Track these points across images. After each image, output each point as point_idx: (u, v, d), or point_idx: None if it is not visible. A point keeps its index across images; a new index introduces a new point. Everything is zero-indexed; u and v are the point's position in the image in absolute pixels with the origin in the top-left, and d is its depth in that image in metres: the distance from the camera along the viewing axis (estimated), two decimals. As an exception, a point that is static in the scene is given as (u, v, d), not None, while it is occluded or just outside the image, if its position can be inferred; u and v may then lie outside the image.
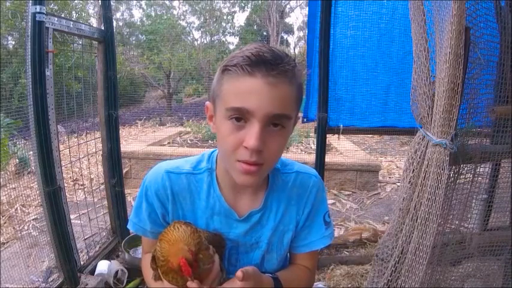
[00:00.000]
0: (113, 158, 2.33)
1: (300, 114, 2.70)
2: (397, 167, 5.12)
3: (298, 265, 0.99)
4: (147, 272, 0.87)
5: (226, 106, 0.71)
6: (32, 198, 3.18)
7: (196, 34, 15.21)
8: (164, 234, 0.78)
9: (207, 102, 0.82)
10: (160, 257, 0.76)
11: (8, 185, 2.48)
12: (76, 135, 2.91)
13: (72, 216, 2.05)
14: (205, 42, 14.72)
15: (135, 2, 16.10)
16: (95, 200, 2.46)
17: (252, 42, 0.77)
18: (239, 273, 0.74)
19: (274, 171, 0.92)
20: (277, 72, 0.68)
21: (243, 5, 16.41)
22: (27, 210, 3.27)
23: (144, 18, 13.73)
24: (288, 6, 20.19)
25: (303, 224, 0.94)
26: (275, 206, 0.91)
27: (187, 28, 14.18)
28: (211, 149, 0.94)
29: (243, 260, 0.93)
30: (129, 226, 0.93)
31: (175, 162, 0.91)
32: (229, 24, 15.49)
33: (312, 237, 0.94)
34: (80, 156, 2.34)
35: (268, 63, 0.67)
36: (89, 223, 2.37)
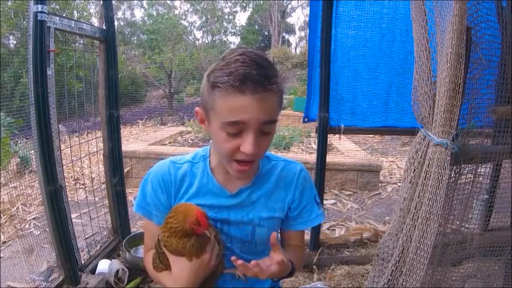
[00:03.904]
0: (114, 157, 2.33)
1: (301, 114, 2.70)
2: (398, 167, 5.12)
3: (293, 246, 1.10)
4: (151, 267, 0.98)
5: (223, 121, 0.80)
6: (33, 197, 3.20)
7: (198, 34, 15.22)
8: (176, 205, 0.92)
9: (197, 108, 0.91)
10: (170, 219, 0.87)
11: (9, 183, 2.49)
12: (77, 134, 2.91)
13: (73, 216, 2.05)
14: (206, 42, 14.74)
15: (136, 1, 16.15)
16: (96, 199, 2.47)
17: (233, 50, 0.82)
18: (273, 234, 0.87)
19: (265, 158, 1.05)
20: (263, 90, 0.77)
21: (245, 4, 16.40)
22: (28, 209, 3.28)
23: (146, 18, 13.71)
24: (290, 6, 20.21)
25: (297, 205, 1.04)
26: (264, 185, 1.01)
27: (189, 28, 14.19)
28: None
29: (234, 233, 1.01)
30: (135, 209, 1.02)
31: (178, 156, 1.06)
32: (231, 24, 15.48)
33: (308, 216, 1.06)
34: (81, 155, 2.34)
35: (256, 82, 0.76)
36: (89, 222, 2.38)
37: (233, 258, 0.83)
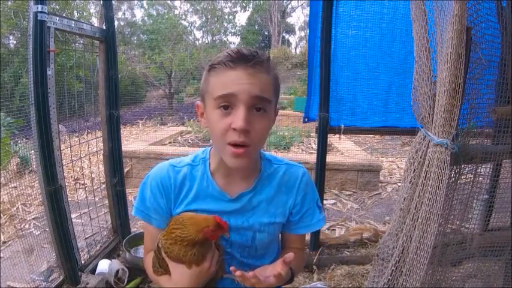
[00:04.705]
0: (114, 157, 2.33)
1: (301, 114, 2.70)
2: (398, 167, 5.12)
3: (292, 249, 1.09)
4: (151, 270, 0.97)
5: (214, 96, 0.83)
6: (33, 197, 3.20)
7: (198, 34, 15.23)
8: (177, 217, 0.90)
9: (198, 102, 0.93)
10: (176, 231, 0.86)
11: (9, 183, 2.49)
12: (77, 134, 2.91)
13: (73, 216, 2.05)
14: (206, 42, 14.74)
15: (136, 1, 16.14)
16: (96, 199, 2.47)
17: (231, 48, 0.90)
18: (290, 254, 0.85)
19: (267, 161, 1.04)
20: (253, 63, 0.81)
21: (245, 4, 16.40)
22: (28, 209, 3.28)
23: (146, 18, 13.71)
24: (290, 6, 20.21)
25: (298, 210, 1.03)
26: (265, 190, 1.00)
27: (189, 28, 14.18)
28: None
29: (234, 238, 1.00)
30: (134, 213, 1.01)
31: (177, 158, 1.04)
32: (231, 24, 15.48)
33: (309, 220, 1.05)
34: (81, 155, 2.34)
35: (246, 57, 0.82)
36: (89, 222, 2.37)
37: (232, 268, 0.83)
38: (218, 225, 0.84)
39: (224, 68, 0.82)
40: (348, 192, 4.03)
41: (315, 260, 2.36)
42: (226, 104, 0.82)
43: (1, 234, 2.73)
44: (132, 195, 3.68)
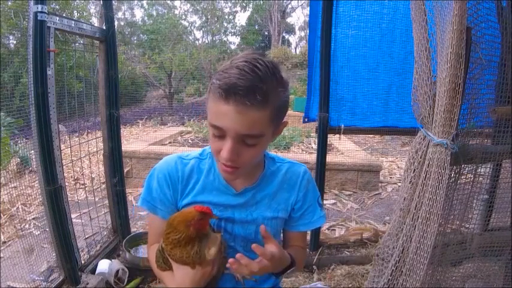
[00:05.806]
0: (114, 157, 2.33)
1: (301, 114, 2.70)
2: (398, 167, 5.12)
3: (294, 246, 1.12)
4: (154, 264, 0.98)
5: (209, 121, 0.85)
6: (33, 197, 3.20)
7: (198, 34, 15.23)
8: (169, 222, 0.89)
9: None
10: (170, 234, 0.87)
11: (9, 183, 2.48)
12: (77, 134, 2.91)
13: (73, 216, 2.05)
14: (206, 41, 14.72)
15: (136, 1, 16.14)
16: (96, 199, 2.47)
17: (246, 54, 0.83)
18: (262, 226, 0.89)
19: (270, 160, 1.07)
20: (244, 104, 0.77)
21: (245, 4, 16.41)
22: (28, 209, 3.28)
23: (146, 18, 13.72)
24: (290, 6, 20.20)
25: (300, 206, 1.06)
26: (268, 186, 1.03)
27: (189, 28, 14.20)
28: None
29: (238, 231, 1.02)
30: (139, 203, 1.03)
31: (185, 151, 1.08)
32: (231, 24, 15.48)
33: (310, 217, 1.07)
34: (81, 155, 2.34)
35: (239, 95, 0.76)
36: (89, 222, 2.38)
37: (230, 260, 0.84)
38: (202, 213, 0.85)
39: (218, 97, 0.79)
40: (348, 192, 4.03)
41: (315, 260, 2.36)
42: (218, 133, 0.83)
43: (1, 234, 2.73)
44: (132, 195, 3.68)
